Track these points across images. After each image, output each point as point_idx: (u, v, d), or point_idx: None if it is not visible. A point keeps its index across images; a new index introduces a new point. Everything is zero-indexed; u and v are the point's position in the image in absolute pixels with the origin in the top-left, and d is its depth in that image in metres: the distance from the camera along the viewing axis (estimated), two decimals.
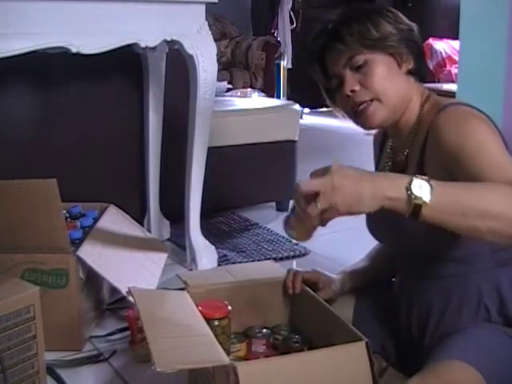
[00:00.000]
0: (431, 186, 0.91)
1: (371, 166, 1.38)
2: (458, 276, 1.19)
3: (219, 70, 2.05)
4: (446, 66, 5.33)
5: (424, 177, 0.92)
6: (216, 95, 2.06)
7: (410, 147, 1.21)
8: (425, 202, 0.90)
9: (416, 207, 0.90)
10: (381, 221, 1.27)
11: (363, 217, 1.36)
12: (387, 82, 1.15)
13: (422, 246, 1.18)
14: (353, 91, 1.16)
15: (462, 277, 1.18)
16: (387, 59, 1.16)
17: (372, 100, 1.16)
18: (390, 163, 1.29)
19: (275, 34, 5.18)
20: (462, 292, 1.19)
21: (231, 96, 3.16)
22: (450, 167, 1.07)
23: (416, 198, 0.90)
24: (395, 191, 0.91)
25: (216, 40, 1.99)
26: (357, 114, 1.18)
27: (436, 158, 1.12)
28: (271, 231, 2.51)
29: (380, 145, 1.38)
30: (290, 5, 5.25)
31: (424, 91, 1.22)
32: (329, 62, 1.19)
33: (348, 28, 1.15)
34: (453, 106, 1.13)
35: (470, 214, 0.91)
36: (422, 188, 0.90)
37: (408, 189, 0.90)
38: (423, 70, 1.22)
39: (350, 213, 0.92)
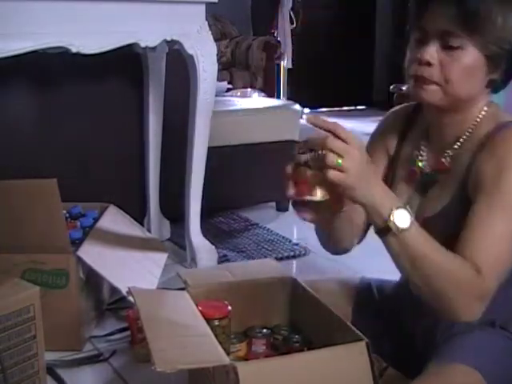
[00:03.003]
0: (412, 223, 0.97)
1: None
2: None
3: (219, 70, 2.05)
4: None
5: (409, 212, 0.97)
6: (216, 95, 2.06)
7: (455, 151, 1.13)
8: (399, 229, 0.96)
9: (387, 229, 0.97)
10: None
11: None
12: (466, 79, 1.05)
13: None
14: (428, 64, 1.06)
15: None
16: (480, 60, 1.04)
17: (438, 84, 1.06)
18: (423, 160, 1.19)
19: (275, 34, 5.18)
20: None
21: (231, 96, 3.16)
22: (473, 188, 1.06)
23: (391, 222, 0.96)
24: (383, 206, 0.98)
25: (216, 40, 2.00)
26: (415, 78, 1.08)
27: (481, 169, 1.06)
28: (271, 231, 2.51)
29: (401, 131, 1.26)
30: (290, 5, 5.25)
31: (489, 102, 1.13)
32: (428, 14, 1.06)
33: (476, 3, 1.01)
34: None
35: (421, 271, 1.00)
36: (402, 218, 0.96)
37: (390, 214, 0.96)
38: (502, 88, 1.12)
39: (341, 184, 0.96)
